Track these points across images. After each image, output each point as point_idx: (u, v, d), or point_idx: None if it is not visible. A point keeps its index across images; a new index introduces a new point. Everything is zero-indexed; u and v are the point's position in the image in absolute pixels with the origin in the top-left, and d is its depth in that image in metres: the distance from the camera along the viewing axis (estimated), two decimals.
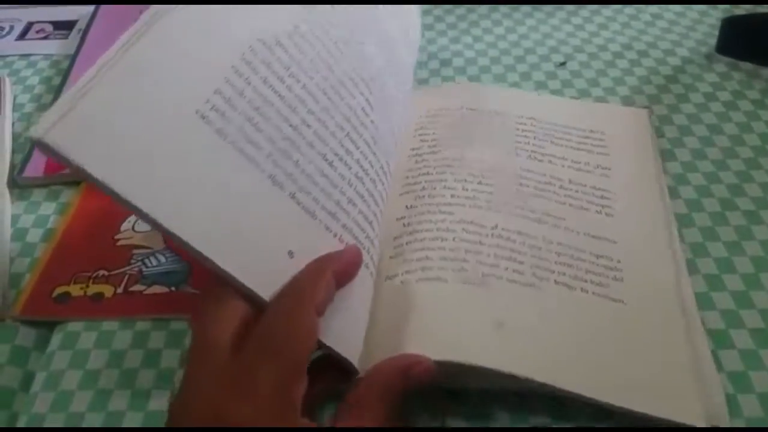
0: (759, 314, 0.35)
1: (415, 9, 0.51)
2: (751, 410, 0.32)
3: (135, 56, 0.27)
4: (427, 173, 0.41)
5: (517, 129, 0.45)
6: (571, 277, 0.35)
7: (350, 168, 0.34)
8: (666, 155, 0.44)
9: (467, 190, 0.40)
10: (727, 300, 0.36)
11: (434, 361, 0.30)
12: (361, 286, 0.33)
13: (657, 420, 0.30)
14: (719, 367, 0.33)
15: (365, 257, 0.33)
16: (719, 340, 0.34)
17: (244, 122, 0.29)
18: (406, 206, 0.39)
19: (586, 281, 0.35)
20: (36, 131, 0.24)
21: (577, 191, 0.41)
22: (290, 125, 0.31)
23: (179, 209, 0.26)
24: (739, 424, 0.31)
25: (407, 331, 0.32)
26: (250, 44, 0.31)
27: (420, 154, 0.43)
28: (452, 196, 0.39)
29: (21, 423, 0.33)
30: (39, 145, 0.24)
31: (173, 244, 0.28)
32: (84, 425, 0.33)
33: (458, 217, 0.38)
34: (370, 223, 0.35)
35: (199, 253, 0.26)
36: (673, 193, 0.42)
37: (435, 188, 0.40)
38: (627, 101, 0.49)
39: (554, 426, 0.32)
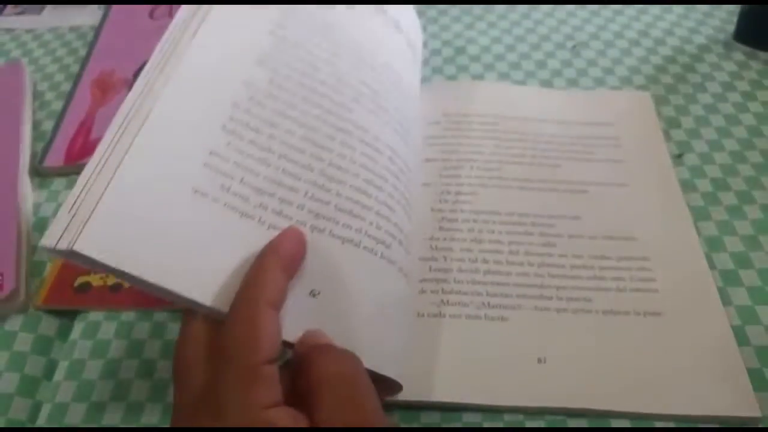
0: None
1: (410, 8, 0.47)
2: None
3: (139, 140, 0.28)
4: (454, 221, 0.40)
5: (517, 140, 0.45)
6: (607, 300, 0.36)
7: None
8: (682, 147, 0.44)
9: (493, 232, 0.39)
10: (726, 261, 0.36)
11: (476, 404, 0.32)
12: (389, 285, 0.32)
13: (716, 419, 0.31)
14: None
15: (395, 253, 0.32)
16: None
17: (236, 180, 0.30)
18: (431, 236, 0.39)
19: (623, 298, 0.36)
20: (60, 242, 0.25)
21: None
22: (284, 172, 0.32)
23: (200, 282, 0.27)
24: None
25: (442, 369, 0.33)
26: (235, 100, 0.32)
27: (434, 182, 0.42)
28: (473, 240, 0.39)
29: (44, 412, 0.34)
30: (67, 255, 0.25)
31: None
32: (105, 415, 0.33)
33: (485, 266, 0.38)
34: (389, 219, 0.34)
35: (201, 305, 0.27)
36: (689, 186, 0.42)
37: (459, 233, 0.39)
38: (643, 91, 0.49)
39: (552, 427, 0.32)
